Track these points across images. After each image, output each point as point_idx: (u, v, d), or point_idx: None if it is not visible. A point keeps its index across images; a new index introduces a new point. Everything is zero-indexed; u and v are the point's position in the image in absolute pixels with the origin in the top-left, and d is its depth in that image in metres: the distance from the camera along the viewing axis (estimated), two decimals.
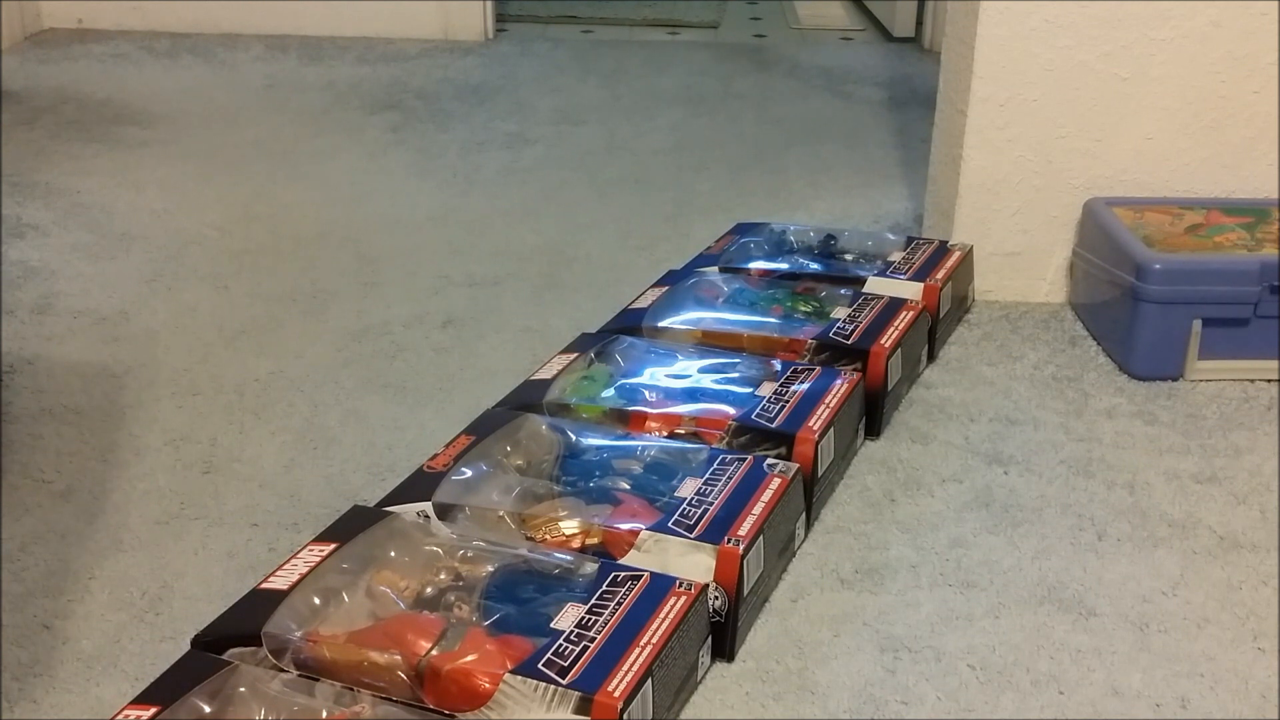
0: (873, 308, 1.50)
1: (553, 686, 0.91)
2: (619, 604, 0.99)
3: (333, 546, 1.07)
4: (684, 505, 1.12)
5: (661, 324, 1.50)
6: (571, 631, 0.96)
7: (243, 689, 0.93)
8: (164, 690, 0.93)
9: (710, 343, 1.47)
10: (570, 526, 1.12)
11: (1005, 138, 1.65)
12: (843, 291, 1.56)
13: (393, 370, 1.54)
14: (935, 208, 1.80)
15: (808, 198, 2.11)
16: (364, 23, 3.04)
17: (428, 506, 1.14)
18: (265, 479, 1.31)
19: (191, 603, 1.12)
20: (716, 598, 1.05)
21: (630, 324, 1.51)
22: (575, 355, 1.42)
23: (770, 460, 1.19)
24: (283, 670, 0.96)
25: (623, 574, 1.03)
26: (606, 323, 1.55)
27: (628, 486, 1.17)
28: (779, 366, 1.38)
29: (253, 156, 2.26)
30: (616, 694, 0.90)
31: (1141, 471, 1.34)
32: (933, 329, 1.56)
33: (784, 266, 1.66)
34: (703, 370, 1.38)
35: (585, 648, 0.94)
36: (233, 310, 1.68)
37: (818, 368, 1.37)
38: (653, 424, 1.30)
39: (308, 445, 1.37)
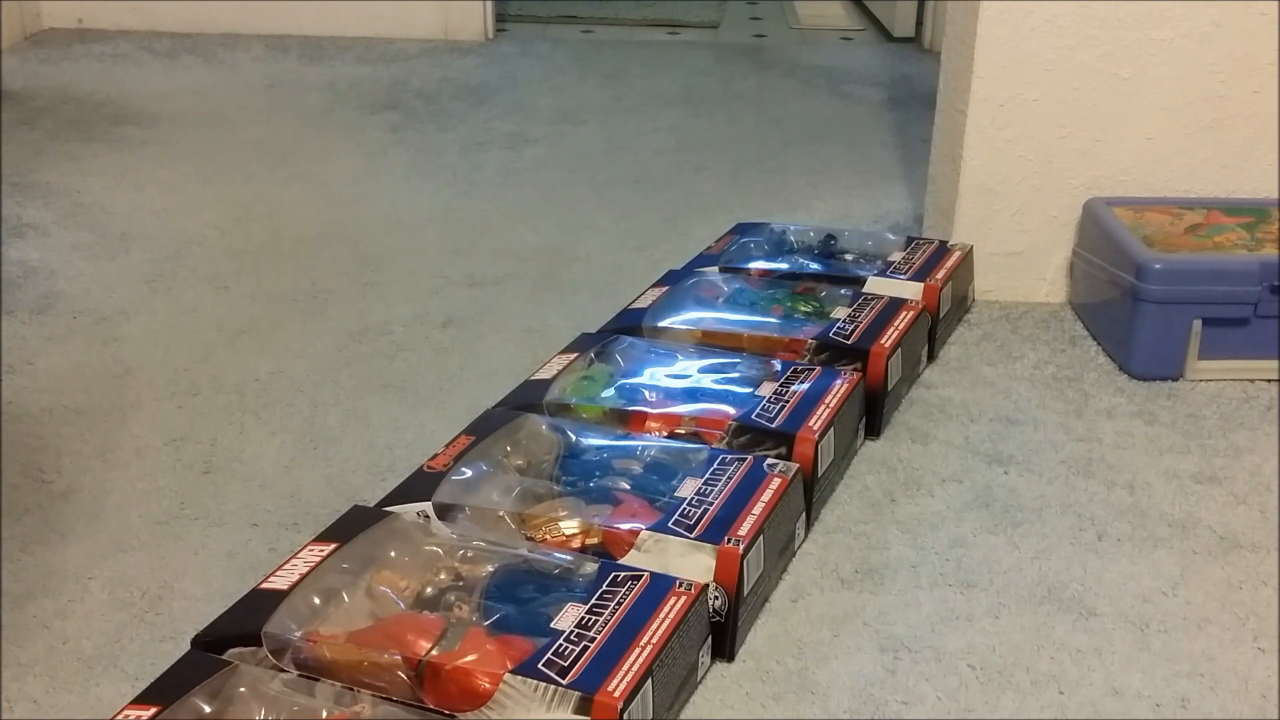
0: (873, 308, 1.50)
1: (553, 686, 0.90)
2: (619, 604, 0.99)
3: (333, 546, 1.07)
4: (684, 505, 1.12)
5: (661, 324, 1.50)
6: (571, 631, 0.96)
7: (243, 689, 0.93)
8: (164, 690, 0.93)
9: (710, 343, 1.47)
10: (570, 526, 1.12)
11: (1005, 138, 1.65)
12: (843, 291, 1.56)
13: (393, 370, 1.54)
14: (935, 208, 1.80)
15: (808, 198, 2.11)
16: (364, 23, 3.04)
17: (428, 506, 1.14)
18: (265, 479, 1.31)
19: (191, 603, 1.12)
20: (716, 598, 1.05)
21: (630, 324, 1.51)
22: (575, 355, 1.42)
23: (770, 460, 1.19)
24: (283, 670, 0.96)
25: (623, 574, 1.03)
26: (606, 323, 1.55)
27: (628, 486, 1.17)
28: (779, 366, 1.38)
29: (253, 156, 2.26)
30: (616, 694, 0.90)
31: (1141, 471, 1.34)
32: (933, 329, 1.56)
33: (784, 266, 1.66)
34: (703, 370, 1.38)
35: (585, 648, 0.94)
36: (233, 310, 1.68)
37: (818, 368, 1.37)
38: (653, 424, 1.30)
39: (308, 445, 1.37)
